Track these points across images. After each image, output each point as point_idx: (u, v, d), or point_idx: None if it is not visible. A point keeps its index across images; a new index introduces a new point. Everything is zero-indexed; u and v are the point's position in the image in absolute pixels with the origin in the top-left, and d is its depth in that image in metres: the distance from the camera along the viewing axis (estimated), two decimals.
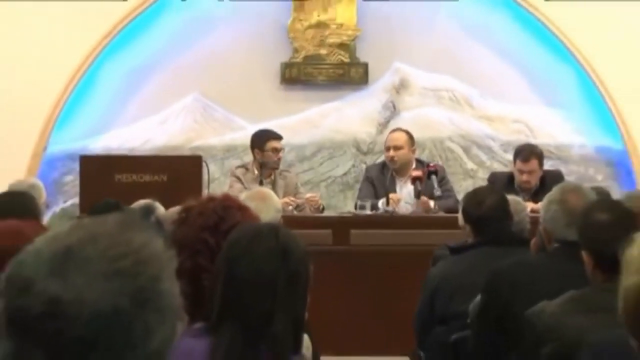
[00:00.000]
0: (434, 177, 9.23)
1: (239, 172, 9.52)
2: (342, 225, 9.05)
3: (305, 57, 11.61)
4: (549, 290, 4.28)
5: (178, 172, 8.47)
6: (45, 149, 11.44)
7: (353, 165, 11.40)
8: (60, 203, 10.76)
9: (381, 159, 9.83)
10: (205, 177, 8.65)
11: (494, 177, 9.50)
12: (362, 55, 11.62)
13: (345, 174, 11.48)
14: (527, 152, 9.37)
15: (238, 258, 3.19)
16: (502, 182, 8.93)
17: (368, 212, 9.10)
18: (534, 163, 9.16)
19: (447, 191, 9.26)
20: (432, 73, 11.62)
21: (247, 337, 3.10)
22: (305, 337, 3.49)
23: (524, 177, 9.16)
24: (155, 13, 11.54)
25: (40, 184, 8.21)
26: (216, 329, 3.13)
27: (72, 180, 10.28)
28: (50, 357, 1.63)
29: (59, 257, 1.67)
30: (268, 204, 5.94)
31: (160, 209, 5.56)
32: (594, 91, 11.53)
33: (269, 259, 3.17)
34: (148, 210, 5.32)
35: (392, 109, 11.61)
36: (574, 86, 11.65)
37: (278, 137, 9.58)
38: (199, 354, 3.06)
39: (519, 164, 9.25)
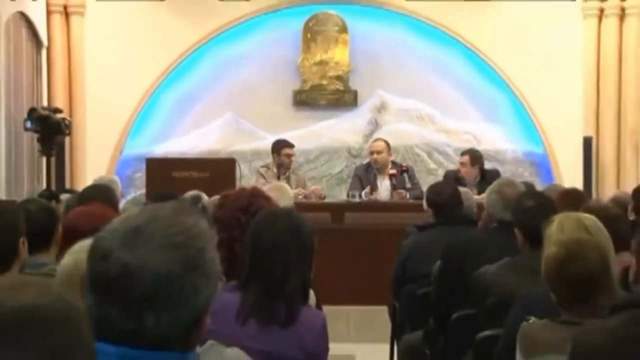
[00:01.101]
0: (405, 174, 9.33)
1: (263, 170, 9.54)
2: (338, 209, 9.04)
3: (311, 86, 11.60)
4: (490, 257, 4.28)
5: (217, 170, 8.45)
6: (121, 153, 11.47)
7: (346, 166, 11.38)
8: (132, 193, 10.75)
9: (367, 160, 9.82)
10: (237, 174, 8.63)
11: (447, 174, 9.54)
12: (353, 85, 11.61)
13: (340, 172, 11.47)
14: (464, 150, 9.69)
15: (262, 233, 3.18)
16: (453, 177, 8.97)
17: (357, 200, 9.13)
18: (465, 158, 9.33)
19: (415, 185, 9.27)
20: (405, 98, 11.60)
21: (268, 293, 3.09)
22: (311, 292, 3.48)
23: (459, 166, 9.37)
24: (200, 54, 11.57)
25: (117, 179, 8.20)
26: (245, 286, 3.12)
27: (141, 176, 10.27)
28: (122, 309, 1.62)
29: (130, 233, 1.67)
30: (284, 194, 5.92)
31: (204, 197, 5.54)
32: (522, 111, 11.56)
33: (284, 234, 3.17)
34: (196, 199, 5.31)
35: (375, 124, 11.60)
36: (507, 107, 11.66)
37: (291, 145, 9.58)
38: (233, 304, 3.05)
39: (458, 158, 9.59)
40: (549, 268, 3.21)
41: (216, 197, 4.28)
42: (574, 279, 3.14)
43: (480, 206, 5.85)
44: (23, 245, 3.28)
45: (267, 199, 3.80)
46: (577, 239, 3.28)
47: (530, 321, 3.27)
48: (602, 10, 11.30)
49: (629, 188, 7.86)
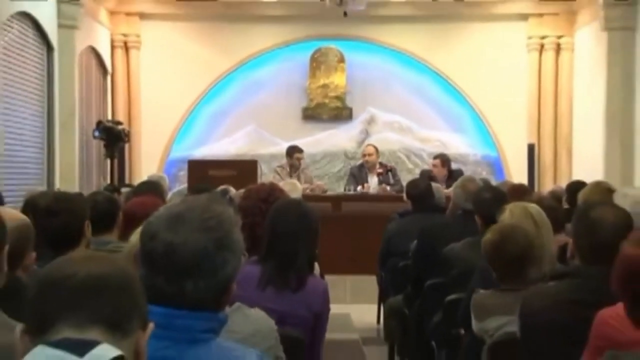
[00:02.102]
0: (390, 173, 9.34)
1: (278, 169, 9.53)
2: (337, 200, 9.04)
3: (316, 104, 11.59)
4: (456, 238, 4.27)
5: (243, 169, 8.43)
6: (168, 155, 11.48)
7: (343, 166, 11.36)
8: (176, 187, 10.74)
9: (360, 162, 9.80)
10: (258, 172, 8.63)
11: (422, 173, 9.49)
12: (349, 103, 11.59)
13: (339, 170, 11.45)
14: (436, 154, 9.66)
15: (277, 219, 3.17)
16: (427, 175, 8.92)
17: (352, 192, 9.12)
18: (437, 161, 9.28)
19: (397, 181, 9.25)
20: (389, 113, 11.59)
21: (282, 265, 3.07)
22: (316, 265, 3.47)
23: (432, 167, 9.33)
24: (230, 79, 11.58)
25: (165, 176, 8.20)
26: (264, 260, 3.11)
27: (183, 174, 10.24)
28: (166, 278, 1.62)
29: (173, 218, 1.67)
30: (294, 188, 5.92)
31: (232, 190, 5.51)
32: (480, 124, 11.59)
33: (295, 219, 3.15)
34: (225, 192, 5.28)
35: (366, 134, 11.59)
36: (469, 121, 11.67)
37: (300, 150, 9.57)
38: (254, 275, 3.04)
39: (431, 160, 9.64)
40: (487, 250, 3.25)
41: (242, 191, 4.27)
42: (508, 257, 3.15)
43: (448, 198, 5.83)
44: (87, 227, 3.27)
45: (281, 191, 3.79)
46: (507, 226, 3.30)
47: (480, 292, 3.28)
48: (542, 46, 11.37)
49: (563, 184, 7.85)
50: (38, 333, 1.20)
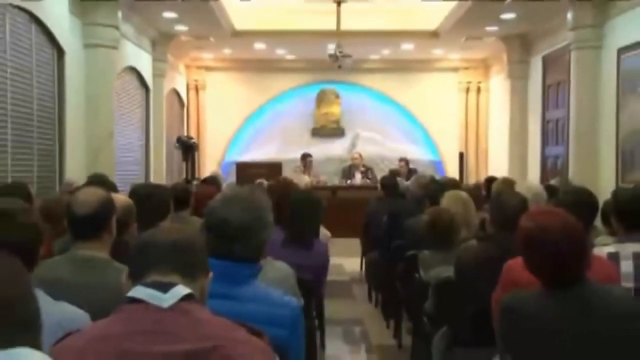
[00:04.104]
0: (369, 171, 9.30)
1: (296, 169, 9.49)
2: (334, 189, 8.99)
3: (321, 126, 11.59)
4: (413, 214, 4.24)
5: (272, 169, 8.42)
6: (223, 159, 11.48)
7: (338, 167, 11.34)
8: (228, 181, 10.76)
9: (349, 164, 9.78)
10: (282, 171, 8.60)
11: (391, 171, 9.31)
12: (342, 125, 11.58)
13: (335, 170, 11.34)
14: (400, 158, 9.70)
15: (295, 202, 3.15)
16: (394, 172, 8.80)
17: (344, 184, 9.09)
18: (402, 162, 9.31)
19: (374, 177, 9.22)
20: (369, 132, 11.56)
21: (296, 233, 3.06)
22: (326, 231, 3.45)
23: (398, 167, 9.25)
24: (264, 109, 11.56)
25: (221, 173, 8.17)
26: (286, 229, 3.09)
27: (234, 172, 10.25)
28: (221, 241, 1.61)
29: (226, 201, 1.66)
30: (301, 180, 5.91)
31: (265, 183, 5.49)
32: (428, 139, 11.55)
33: (306, 203, 3.14)
34: (261, 184, 5.27)
35: (353, 145, 11.54)
36: (421, 136, 11.63)
37: (310, 156, 9.55)
38: (279, 239, 3.01)
39: (397, 163, 9.58)
40: (425, 227, 3.29)
41: (270, 183, 4.26)
42: (438, 230, 3.18)
43: (407, 188, 5.82)
44: (171, 206, 3.25)
45: (294, 184, 3.78)
46: (437, 210, 3.31)
47: (424, 252, 3.29)
48: (468, 88, 11.50)
49: (482, 178, 7.84)
50: (137, 277, 1.21)
